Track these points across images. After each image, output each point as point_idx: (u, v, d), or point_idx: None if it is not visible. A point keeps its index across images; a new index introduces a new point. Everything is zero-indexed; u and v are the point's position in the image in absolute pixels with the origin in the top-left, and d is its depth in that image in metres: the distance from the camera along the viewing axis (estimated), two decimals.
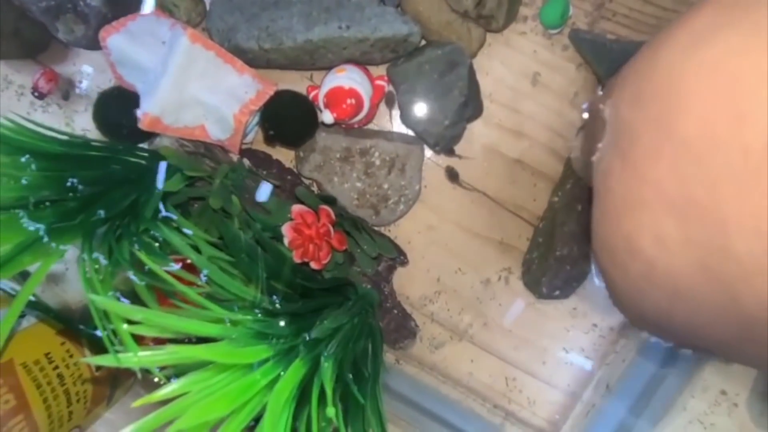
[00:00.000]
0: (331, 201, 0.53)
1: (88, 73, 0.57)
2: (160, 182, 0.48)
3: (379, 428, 0.44)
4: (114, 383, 0.58)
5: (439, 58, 0.53)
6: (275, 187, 0.53)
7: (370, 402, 0.44)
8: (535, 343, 0.60)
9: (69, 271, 0.60)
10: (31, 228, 0.41)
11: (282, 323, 0.43)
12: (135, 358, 0.39)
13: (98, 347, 0.55)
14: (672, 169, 0.29)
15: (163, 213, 0.45)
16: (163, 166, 0.48)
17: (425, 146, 0.57)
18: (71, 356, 0.54)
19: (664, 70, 0.31)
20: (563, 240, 0.54)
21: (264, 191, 0.52)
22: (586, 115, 0.55)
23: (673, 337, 0.42)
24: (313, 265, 0.50)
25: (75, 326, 0.50)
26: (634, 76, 0.34)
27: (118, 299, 0.43)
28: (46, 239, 0.40)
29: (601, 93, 0.55)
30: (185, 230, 0.45)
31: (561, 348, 0.60)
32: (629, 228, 0.32)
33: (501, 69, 0.56)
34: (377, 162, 0.56)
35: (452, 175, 0.57)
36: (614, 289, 0.38)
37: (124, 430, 0.37)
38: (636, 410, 0.56)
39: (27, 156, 0.41)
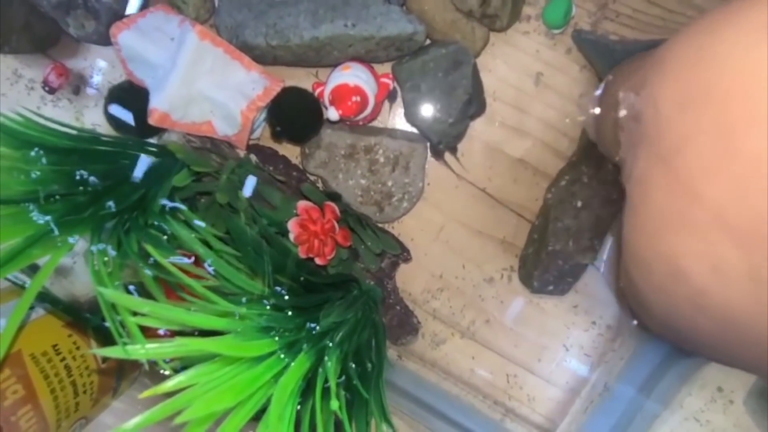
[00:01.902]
0: (336, 197, 0.53)
1: (99, 69, 0.57)
2: (138, 171, 0.48)
3: (383, 420, 0.45)
4: (120, 375, 0.59)
5: (443, 56, 0.53)
6: (281, 183, 0.54)
7: (374, 395, 0.45)
8: (535, 341, 0.60)
9: (76, 265, 0.61)
10: (41, 221, 0.42)
11: (288, 316, 0.44)
12: (143, 350, 0.40)
13: (105, 339, 0.56)
14: (736, 190, 0.24)
15: (170, 204, 0.46)
16: (145, 160, 0.49)
17: (428, 144, 0.57)
18: (78, 348, 0.55)
19: (728, 68, 0.25)
20: (556, 235, 0.55)
21: (249, 185, 0.52)
22: (599, 92, 0.52)
23: (695, 349, 0.38)
24: (318, 260, 0.50)
25: (83, 318, 0.51)
26: (680, 66, 0.28)
27: (128, 291, 0.43)
28: (56, 232, 0.41)
29: (611, 77, 0.51)
30: (196, 222, 0.45)
31: (561, 345, 0.60)
32: (674, 249, 0.28)
33: (504, 68, 0.56)
34: (381, 159, 0.57)
35: (437, 152, 0.58)
36: (643, 304, 0.34)
37: (133, 420, 0.38)
38: (633, 407, 0.56)
39: (37, 150, 0.42)
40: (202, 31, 0.49)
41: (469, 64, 0.53)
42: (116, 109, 0.54)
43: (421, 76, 0.54)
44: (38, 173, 0.42)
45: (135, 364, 0.60)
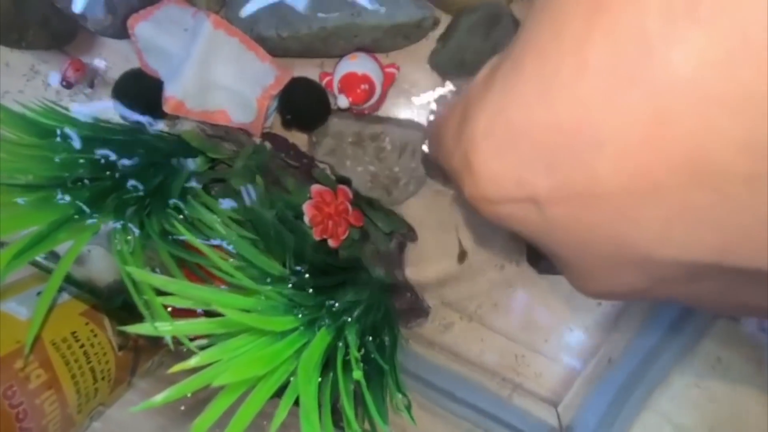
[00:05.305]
0: (346, 181, 0.55)
1: (114, 62, 0.59)
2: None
3: (398, 391, 0.46)
4: (135, 363, 0.60)
5: (477, 20, 0.53)
6: (294, 168, 0.55)
7: (390, 367, 0.47)
8: (542, 322, 0.62)
9: (92, 252, 0.62)
10: (67, 203, 0.43)
11: (309, 294, 0.45)
12: (170, 326, 0.41)
13: (122, 325, 0.57)
14: None
15: (190, 185, 0.47)
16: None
17: None
18: (95, 336, 0.56)
19: None
20: None
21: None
22: None
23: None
24: (332, 242, 0.52)
25: (107, 301, 0.52)
26: None
27: (155, 271, 0.45)
28: (87, 211, 0.42)
29: None
30: (221, 200, 0.47)
31: (567, 324, 0.62)
32: None
33: None
34: (388, 147, 0.58)
35: None
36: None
37: (162, 394, 0.39)
38: (636, 378, 0.58)
39: (62, 134, 0.43)
40: (217, 20, 0.50)
41: (507, 15, 0.52)
42: (120, 101, 0.55)
43: (463, 52, 0.54)
44: (64, 155, 0.43)
45: (151, 351, 0.61)
